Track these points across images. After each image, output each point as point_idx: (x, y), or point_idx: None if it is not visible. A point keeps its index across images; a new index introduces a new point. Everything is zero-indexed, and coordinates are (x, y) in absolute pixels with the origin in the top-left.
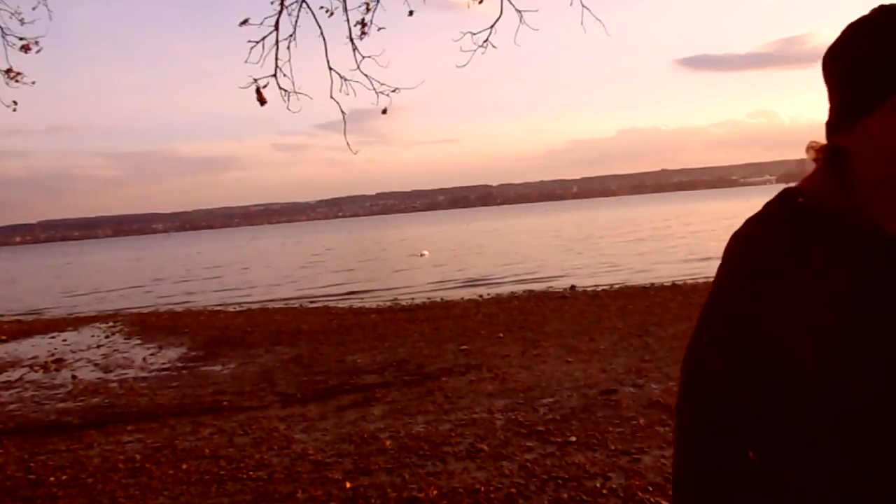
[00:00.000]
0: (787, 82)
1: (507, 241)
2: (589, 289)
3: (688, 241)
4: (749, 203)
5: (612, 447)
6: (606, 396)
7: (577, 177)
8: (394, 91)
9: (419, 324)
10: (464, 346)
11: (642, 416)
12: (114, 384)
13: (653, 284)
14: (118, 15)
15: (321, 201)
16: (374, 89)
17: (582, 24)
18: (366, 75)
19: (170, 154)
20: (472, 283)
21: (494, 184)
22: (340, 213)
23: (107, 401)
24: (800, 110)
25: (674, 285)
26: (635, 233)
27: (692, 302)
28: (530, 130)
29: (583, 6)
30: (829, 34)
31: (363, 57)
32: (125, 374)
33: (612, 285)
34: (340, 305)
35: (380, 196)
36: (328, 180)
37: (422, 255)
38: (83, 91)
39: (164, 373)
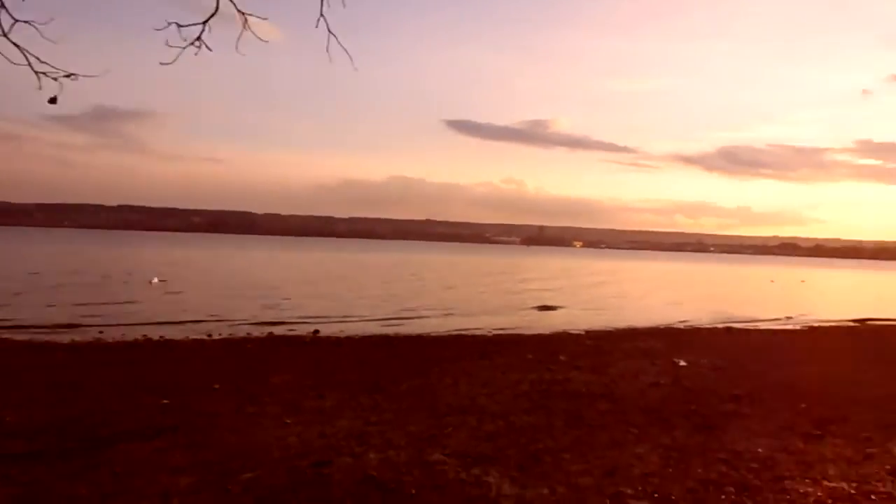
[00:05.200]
0: (533, 157)
1: (262, 273)
2: (334, 335)
3: (440, 293)
4: (499, 260)
5: None
6: (318, 469)
7: (346, 216)
8: (69, 77)
9: (118, 368)
10: (165, 400)
11: (352, 496)
12: None
13: (397, 334)
14: None
15: (41, 205)
16: (32, 66)
17: (327, 50)
18: (17, 45)
19: None
20: (204, 319)
21: (259, 212)
22: (67, 223)
23: None
24: (542, 183)
25: (419, 337)
26: (397, 277)
27: (428, 356)
28: (301, 163)
29: (329, 32)
30: (567, 123)
31: (14, 20)
32: None
33: (357, 333)
34: (17, 338)
35: (122, 208)
36: (55, 182)
37: (152, 282)
38: None
39: None
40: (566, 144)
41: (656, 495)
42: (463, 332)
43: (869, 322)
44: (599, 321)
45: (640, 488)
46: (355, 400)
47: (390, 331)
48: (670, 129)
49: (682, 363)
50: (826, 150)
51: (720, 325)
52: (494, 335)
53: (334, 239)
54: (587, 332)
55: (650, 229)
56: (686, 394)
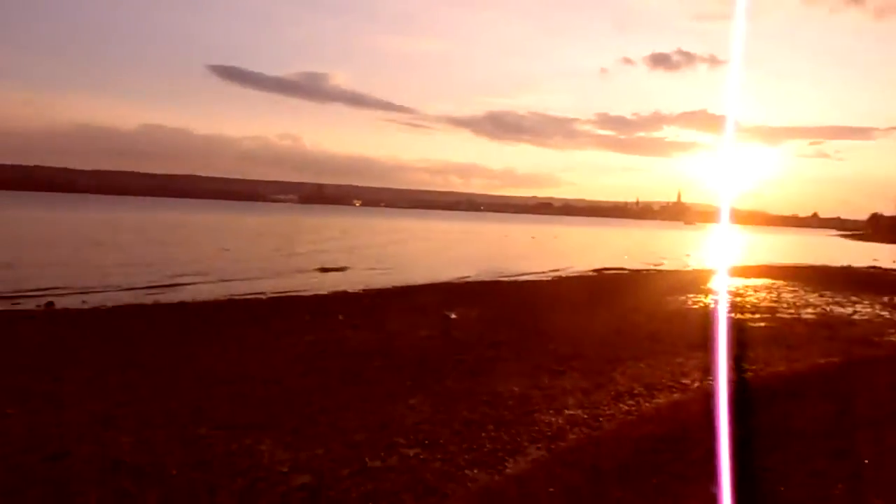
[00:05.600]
0: (310, 112)
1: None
2: (75, 307)
3: (210, 257)
4: (276, 219)
5: None
6: (52, 463)
7: (88, 168)
8: None
9: None
10: None
11: (98, 486)
12: None
13: (157, 303)
14: None
15: None
16: None
17: None
18: None
19: None
20: None
21: None
22: None
23: None
24: (320, 139)
25: (183, 304)
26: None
27: (194, 326)
28: (25, 101)
29: None
30: (344, 78)
31: None
32: None
33: (106, 304)
34: None
35: None
36: None
37: None
38: None
39: None
40: (344, 101)
41: (427, 441)
42: (236, 297)
43: (604, 271)
44: (380, 281)
45: (412, 437)
46: (102, 379)
47: (149, 300)
48: (444, 92)
49: (454, 316)
50: (574, 119)
51: (489, 280)
52: (270, 298)
53: (74, 195)
54: (365, 290)
55: (427, 188)
56: (456, 344)
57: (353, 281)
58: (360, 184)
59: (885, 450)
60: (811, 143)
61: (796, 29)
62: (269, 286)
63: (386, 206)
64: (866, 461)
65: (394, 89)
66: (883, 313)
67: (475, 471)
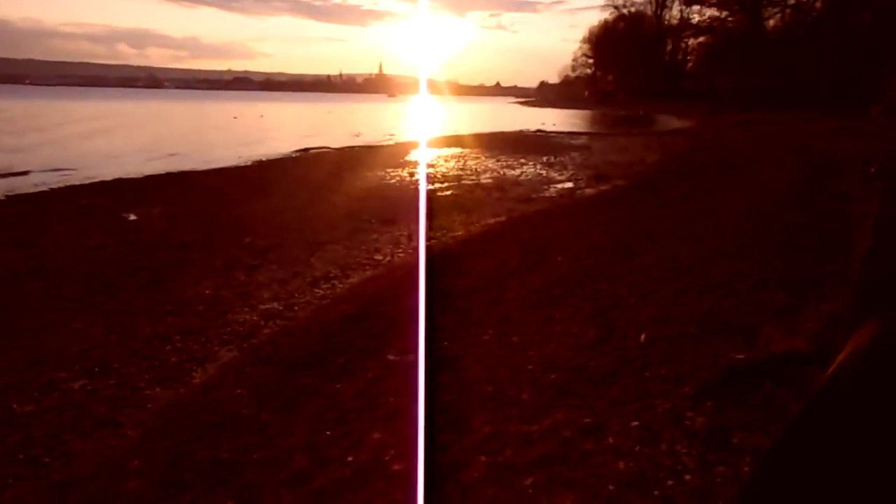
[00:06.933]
0: None
1: None
2: None
3: None
4: None
5: None
6: None
7: None
8: None
9: None
10: None
11: None
12: None
13: None
14: None
15: None
16: None
17: None
18: None
19: None
20: None
21: None
22: None
23: None
24: None
25: None
26: None
27: None
28: None
29: None
30: None
31: None
32: None
33: None
34: None
35: None
36: None
37: None
38: None
39: None
40: None
41: (97, 369)
42: None
43: (309, 151)
44: (29, 182)
45: (77, 367)
46: None
47: None
48: None
49: (132, 217)
50: None
51: (177, 171)
52: None
53: None
54: (7, 196)
55: (89, 61)
56: (135, 250)
57: None
58: None
59: (524, 294)
60: (491, 15)
61: None
62: None
63: (32, 83)
64: (512, 308)
65: None
66: (542, 172)
67: (157, 389)
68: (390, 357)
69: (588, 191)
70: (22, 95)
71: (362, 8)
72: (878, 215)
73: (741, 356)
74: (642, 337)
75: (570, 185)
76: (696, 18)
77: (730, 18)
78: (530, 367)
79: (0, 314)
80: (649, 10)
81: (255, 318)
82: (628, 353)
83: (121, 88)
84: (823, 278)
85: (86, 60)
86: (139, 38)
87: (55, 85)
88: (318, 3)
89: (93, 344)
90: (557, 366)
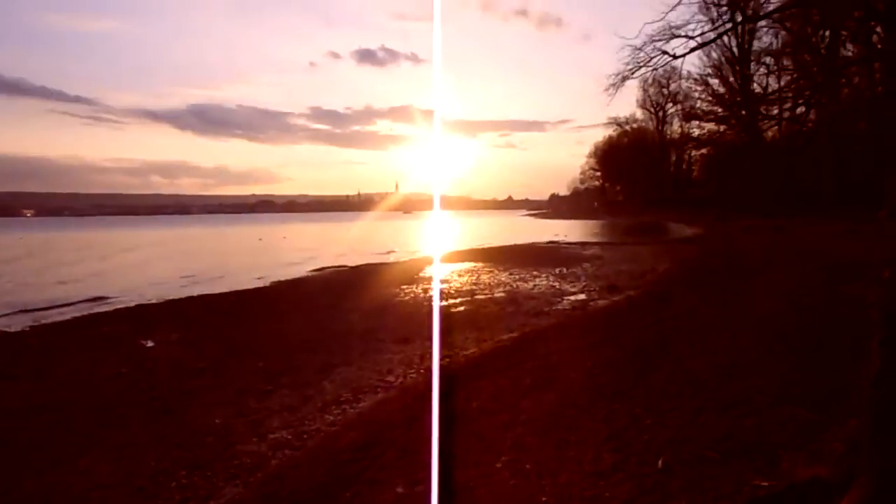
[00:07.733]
0: None
1: None
2: None
3: None
4: None
5: None
6: None
7: None
8: None
9: None
10: None
11: None
12: None
13: None
14: None
15: None
16: None
17: None
18: None
19: None
20: None
21: None
22: None
23: None
24: None
25: None
26: None
27: None
28: None
29: None
30: None
31: None
32: None
33: None
34: None
35: None
36: None
37: None
38: None
39: None
40: None
41: None
42: None
43: (324, 270)
44: (54, 313)
45: None
46: None
47: None
48: (131, 81)
49: (150, 343)
50: (287, 113)
51: (197, 294)
52: None
53: None
54: (32, 327)
55: (122, 192)
56: (150, 378)
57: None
58: (31, 189)
59: (538, 415)
60: (501, 135)
61: (478, 34)
62: None
63: (71, 214)
64: (525, 432)
65: (64, 76)
66: (554, 284)
67: None
68: (399, 490)
69: (601, 302)
70: (58, 227)
71: (380, 133)
72: (883, 339)
73: (764, 483)
74: (660, 462)
75: (582, 296)
76: (696, 132)
77: (728, 132)
78: (544, 498)
79: (10, 450)
80: (651, 126)
81: (263, 448)
82: (645, 480)
83: (151, 216)
84: (845, 390)
85: (120, 192)
86: (172, 170)
87: (91, 215)
88: (338, 131)
89: (97, 483)
90: (572, 496)
